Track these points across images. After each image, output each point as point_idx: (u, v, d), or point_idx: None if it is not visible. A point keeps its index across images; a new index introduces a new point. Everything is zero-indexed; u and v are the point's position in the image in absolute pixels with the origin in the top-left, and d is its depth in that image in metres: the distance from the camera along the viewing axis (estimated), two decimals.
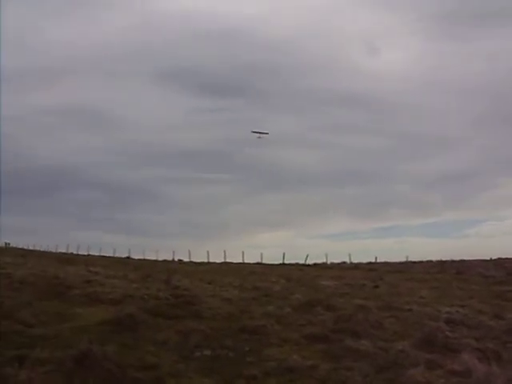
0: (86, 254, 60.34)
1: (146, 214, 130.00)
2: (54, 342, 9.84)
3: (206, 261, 55.68)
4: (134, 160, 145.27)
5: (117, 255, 58.17)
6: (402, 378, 8.20)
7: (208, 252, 59.86)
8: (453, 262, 51.47)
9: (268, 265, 51.45)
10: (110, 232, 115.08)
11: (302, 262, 55.41)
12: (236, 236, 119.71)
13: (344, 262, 55.85)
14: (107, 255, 57.32)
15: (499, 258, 53.77)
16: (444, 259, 53.28)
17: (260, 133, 72.70)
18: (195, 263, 50.77)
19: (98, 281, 19.69)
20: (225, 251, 59.60)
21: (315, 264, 53.82)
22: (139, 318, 12.12)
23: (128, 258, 55.45)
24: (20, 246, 58.41)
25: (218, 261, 55.83)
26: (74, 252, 62.52)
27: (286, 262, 55.90)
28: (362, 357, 9.92)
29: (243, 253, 59.31)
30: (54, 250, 61.68)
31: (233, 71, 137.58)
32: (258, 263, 53.58)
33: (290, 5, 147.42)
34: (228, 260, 57.05)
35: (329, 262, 56.22)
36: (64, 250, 62.92)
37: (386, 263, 53.95)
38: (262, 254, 59.01)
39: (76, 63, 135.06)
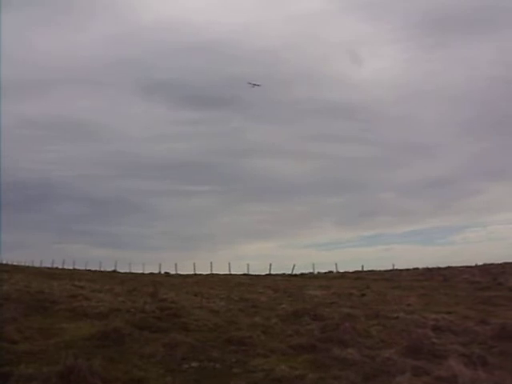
0: (71, 268, 59.99)
1: (131, 227, 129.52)
2: (40, 358, 9.74)
3: (192, 273, 55.59)
4: (118, 172, 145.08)
5: (103, 269, 57.93)
6: None
7: (194, 264, 59.92)
8: (439, 268, 51.80)
9: (255, 276, 51.46)
10: (95, 246, 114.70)
11: (288, 272, 55.60)
12: (222, 247, 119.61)
13: (331, 272, 56.00)
14: (93, 269, 57.07)
15: (485, 264, 54.23)
16: (430, 266, 53.67)
17: (254, 84, 78.02)
18: (182, 275, 50.63)
19: (83, 295, 19.52)
20: (211, 263, 59.64)
21: (302, 274, 53.96)
22: (125, 331, 12.02)
23: (114, 271, 55.24)
24: (4, 262, 57.93)
25: (204, 273, 55.82)
26: (59, 267, 62.12)
27: (273, 272, 56.10)
28: (349, 365, 9.92)
29: (230, 264, 59.41)
30: (38, 265, 61.28)
31: (216, 82, 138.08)
32: (244, 274, 53.60)
33: (273, 16, 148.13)
34: (215, 272, 57.05)
35: (316, 272, 56.37)
36: (49, 265, 62.54)
37: (372, 271, 54.23)
38: (248, 265, 59.19)
39: (59, 74, 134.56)
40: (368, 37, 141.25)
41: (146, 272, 55.87)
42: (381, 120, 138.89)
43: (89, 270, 54.42)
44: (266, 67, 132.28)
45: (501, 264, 54.02)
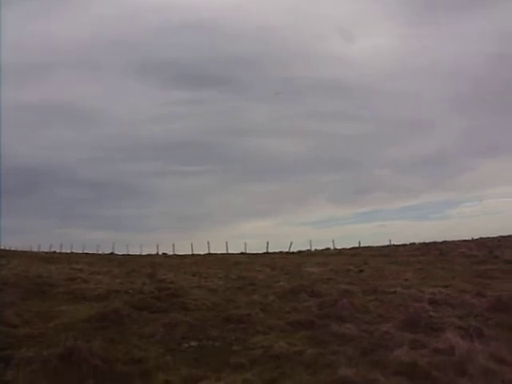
0: (69, 252, 59.89)
1: (128, 209, 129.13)
2: (40, 341, 9.81)
3: (190, 253, 55.68)
4: (114, 155, 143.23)
5: (100, 252, 57.90)
6: (386, 358, 8.30)
7: (192, 244, 59.90)
8: (435, 243, 51.94)
9: (252, 254, 51.56)
10: (92, 229, 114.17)
11: (286, 250, 55.61)
12: (219, 227, 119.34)
13: (328, 249, 56.06)
14: (91, 252, 56.99)
15: (481, 238, 54.41)
16: (427, 241, 53.81)
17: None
18: (179, 256, 50.67)
19: (81, 278, 19.62)
20: (209, 242, 59.70)
21: (299, 251, 53.97)
22: (125, 312, 12.10)
23: (112, 253, 55.10)
24: (1, 247, 57.92)
25: (202, 252, 55.85)
26: (57, 251, 62.03)
27: (270, 250, 56.07)
28: (347, 341, 10.01)
29: (227, 243, 59.51)
30: (36, 250, 61.24)
31: (209, 62, 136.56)
32: (242, 253, 53.64)
33: None
34: (212, 251, 57.00)
35: (313, 249, 56.44)
36: (46, 249, 62.43)
37: (369, 248, 54.35)
38: (245, 244, 59.30)
39: (51, 57, 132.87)
40: (361, 14, 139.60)
41: (144, 253, 55.80)
42: (376, 97, 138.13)
43: (87, 253, 54.28)
44: (262, 46, 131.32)
45: (496, 237, 54.26)
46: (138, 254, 55.58)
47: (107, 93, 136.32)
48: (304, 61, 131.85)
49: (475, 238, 55.01)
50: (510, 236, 54.43)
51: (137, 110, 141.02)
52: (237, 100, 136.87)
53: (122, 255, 52.18)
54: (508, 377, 7.59)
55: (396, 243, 56.67)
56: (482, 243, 48.16)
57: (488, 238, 54.05)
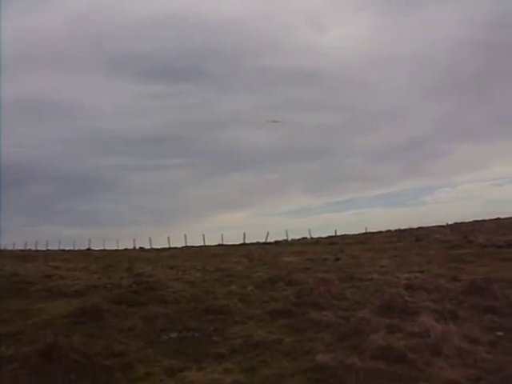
0: (44, 249, 59.46)
1: (104, 204, 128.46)
2: (19, 339, 9.80)
3: (167, 246, 55.62)
4: (88, 150, 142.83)
5: (77, 248, 57.62)
6: (363, 343, 8.43)
7: (169, 237, 59.93)
8: (411, 229, 52.67)
9: (229, 246, 51.68)
10: (68, 225, 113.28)
11: (262, 240, 55.93)
12: (196, 220, 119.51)
13: (305, 238, 56.50)
14: (67, 249, 56.72)
15: (455, 223, 55.41)
16: (403, 228, 54.54)
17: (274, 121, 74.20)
18: (156, 249, 50.59)
19: (58, 275, 19.54)
20: (185, 236, 59.76)
21: (276, 241, 54.35)
22: (103, 307, 12.10)
23: (88, 249, 54.87)
24: None
25: (179, 246, 55.90)
26: (33, 248, 61.54)
27: (247, 241, 56.39)
28: (324, 327, 10.16)
29: (204, 236, 59.65)
30: (11, 248, 60.65)
31: (183, 54, 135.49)
32: (219, 245, 53.82)
33: None
34: (189, 244, 57.20)
35: (289, 239, 56.83)
36: (22, 247, 61.89)
37: (345, 236, 54.83)
38: (222, 236, 59.58)
39: (25, 52, 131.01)
40: (333, 4, 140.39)
41: (121, 248, 55.73)
42: (349, 86, 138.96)
43: (63, 250, 54.01)
44: (233, 38, 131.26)
45: (471, 222, 55.28)
46: (115, 248, 55.44)
47: (81, 87, 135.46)
48: (276, 51, 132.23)
49: (450, 223, 56.08)
50: (483, 220, 55.45)
51: (111, 104, 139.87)
52: (210, 92, 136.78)
53: (99, 250, 51.99)
54: (481, 356, 7.80)
55: (372, 231, 57.38)
56: (456, 228, 48.93)
57: (462, 222, 55.09)
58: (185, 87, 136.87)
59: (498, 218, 56.20)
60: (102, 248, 56.34)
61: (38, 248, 61.90)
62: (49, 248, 60.50)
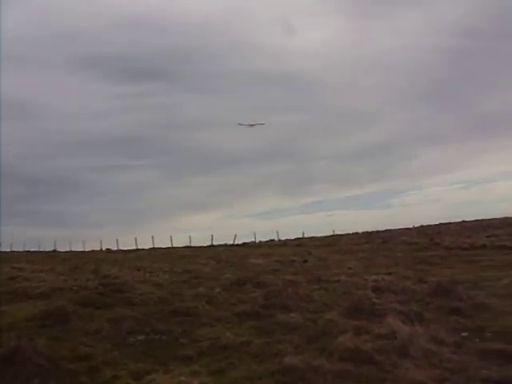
0: (8, 251, 58.40)
1: (70, 205, 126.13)
2: None
3: (134, 248, 55.17)
4: (55, 150, 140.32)
5: (42, 249, 56.71)
6: (331, 345, 8.45)
7: (136, 239, 59.41)
8: (378, 232, 53.19)
9: (197, 247, 51.57)
10: (33, 226, 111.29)
11: (230, 242, 55.80)
12: (163, 221, 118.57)
13: (272, 240, 56.51)
14: (32, 250, 55.80)
15: (422, 226, 56.02)
16: (370, 230, 55.00)
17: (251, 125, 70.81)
18: (123, 251, 50.17)
19: (23, 276, 19.27)
20: (153, 237, 59.33)
21: (244, 243, 54.29)
22: (69, 309, 11.96)
23: (54, 251, 54.13)
24: None
25: (146, 247, 55.53)
26: None
27: (215, 243, 56.21)
28: (292, 329, 10.18)
29: (171, 237, 59.24)
30: None
31: (152, 56, 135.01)
32: (186, 247, 53.60)
33: None
34: (156, 245, 56.82)
35: (257, 241, 56.80)
36: None
37: (313, 238, 55.04)
38: (190, 238, 59.21)
39: None
40: (297, 7, 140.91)
41: (87, 249, 55.13)
42: (317, 88, 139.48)
43: (28, 252, 53.11)
44: (198, 39, 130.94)
45: (437, 225, 56.01)
46: (82, 250, 54.76)
47: (49, 88, 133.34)
48: (243, 54, 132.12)
49: (416, 225, 56.65)
50: (449, 223, 56.21)
51: (77, 105, 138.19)
52: (178, 94, 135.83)
53: (65, 252, 51.39)
54: (446, 356, 7.88)
55: (340, 233, 57.71)
56: (422, 231, 49.54)
57: (429, 225, 55.68)
58: (153, 88, 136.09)
59: (464, 221, 57.20)
60: (68, 249, 55.64)
61: (2, 249, 60.82)
62: (13, 249, 59.42)
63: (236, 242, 55.38)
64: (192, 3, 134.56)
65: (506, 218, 52.21)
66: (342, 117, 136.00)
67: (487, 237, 34.86)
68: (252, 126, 63.78)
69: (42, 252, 52.67)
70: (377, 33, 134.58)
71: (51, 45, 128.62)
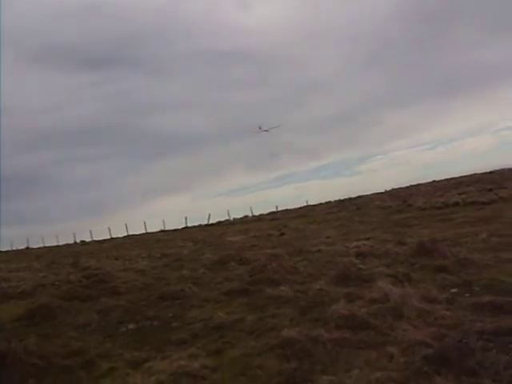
0: None
1: (39, 201, 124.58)
2: None
3: (108, 237, 54.71)
4: (18, 146, 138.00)
5: (14, 248, 55.92)
6: (326, 314, 8.47)
7: (109, 228, 58.93)
8: (351, 199, 53.63)
9: (172, 231, 51.38)
10: (2, 225, 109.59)
11: (205, 222, 55.67)
12: (135, 208, 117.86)
13: (246, 216, 56.62)
14: (4, 249, 55.02)
15: (393, 189, 56.61)
16: (342, 198, 55.36)
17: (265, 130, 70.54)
18: (98, 242, 49.79)
19: (1, 277, 18.88)
20: (126, 224, 58.91)
21: (219, 222, 54.24)
22: (54, 305, 11.73)
23: (27, 248, 53.43)
24: None
25: (120, 235, 55.16)
26: None
27: (190, 225, 55.99)
28: (284, 302, 10.15)
29: (145, 223, 58.90)
30: None
31: (110, 42, 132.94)
32: (161, 231, 53.35)
33: None
34: (131, 233, 56.47)
35: (232, 218, 56.81)
36: None
37: (287, 210, 55.28)
38: (164, 221, 58.94)
39: None
40: None
41: (61, 244, 54.52)
42: (277, 63, 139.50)
43: (0, 251, 52.42)
44: (160, 21, 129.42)
45: (408, 187, 56.57)
46: (56, 245, 54.10)
47: (5, 82, 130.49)
48: (201, 34, 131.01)
49: (388, 189, 57.16)
50: (419, 184, 56.87)
51: (36, 98, 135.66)
52: (137, 79, 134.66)
53: (39, 248, 50.74)
54: (440, 313, 7.95)
55: (312, 203, 57.96)
56: (395, 194, 50.11)
57: (400, 188, 56.25)
58: (112, 75, 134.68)
59: (434, 181, 57.87)
60: (41, 245, 54.93)
61: None
62: None
63: (210, 222, 55.31)
64: None
65: (475, 174, 53.03)
66: (303, 89, 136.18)
67: (458, 194, 35.48)
68: (267, 130, 64.40)
69: (14, 250, 51.94)
70: (334, 3, 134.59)
71: (5, 37, 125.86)
